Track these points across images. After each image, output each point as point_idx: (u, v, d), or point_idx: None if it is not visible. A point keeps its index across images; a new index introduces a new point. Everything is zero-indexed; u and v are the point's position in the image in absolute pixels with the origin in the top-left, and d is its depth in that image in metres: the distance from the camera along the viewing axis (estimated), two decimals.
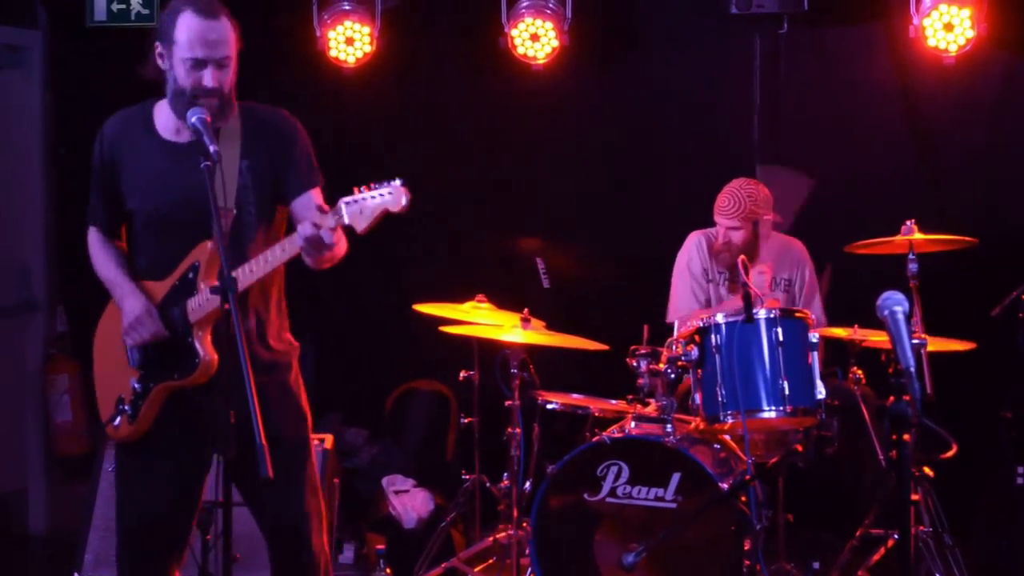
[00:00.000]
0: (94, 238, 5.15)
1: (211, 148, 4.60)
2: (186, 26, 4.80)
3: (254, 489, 4.84)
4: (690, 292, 7.31)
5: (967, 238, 6.77)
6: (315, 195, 5.06)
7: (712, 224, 7.25)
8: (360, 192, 4.70)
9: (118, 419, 4.99)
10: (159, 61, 4.89)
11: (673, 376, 6.48)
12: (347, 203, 4.70)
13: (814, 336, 6.24)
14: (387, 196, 4.69)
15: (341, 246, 4.91)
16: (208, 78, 4.79)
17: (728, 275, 7.25)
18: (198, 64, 4.79)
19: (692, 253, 7.36)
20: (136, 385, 4.96)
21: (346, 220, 4.67)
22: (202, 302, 4.85)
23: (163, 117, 4.99)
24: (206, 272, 4.87)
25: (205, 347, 4.87)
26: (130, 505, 5.06)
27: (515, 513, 6.68)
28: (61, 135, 8.70)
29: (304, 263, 4.85)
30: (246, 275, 4.79)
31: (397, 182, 4.70)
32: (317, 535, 5.09)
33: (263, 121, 5.03)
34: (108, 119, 5.09)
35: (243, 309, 4.91)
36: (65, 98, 8.71)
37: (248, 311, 4.98)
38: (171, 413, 4.97)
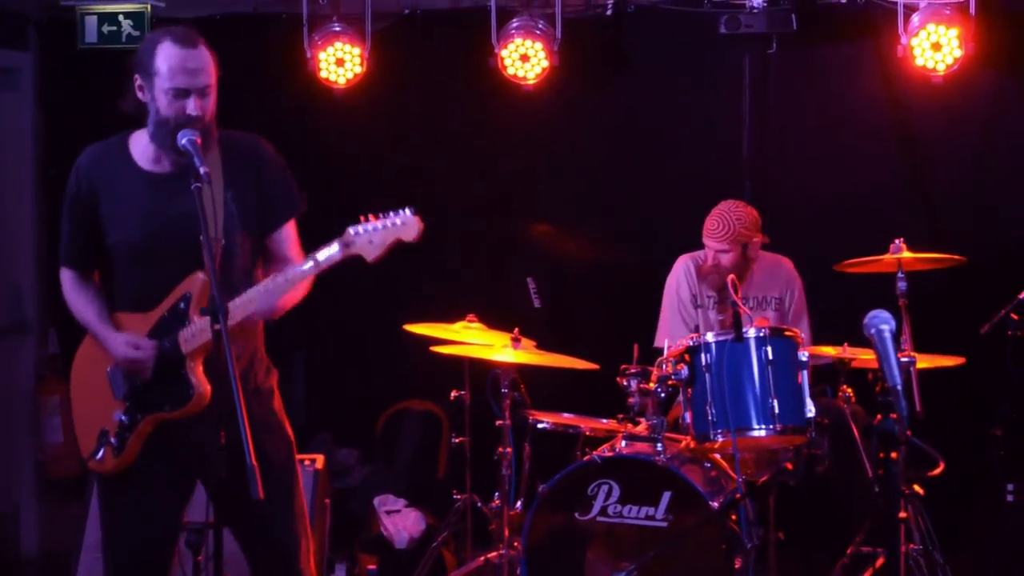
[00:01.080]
0: (68, 281, 5.13)
1: (201, 169, 4.61)
2: (166, 56, 4.82)
3: (240, 513, 4.81)
4: (679, 318, 7.32)
5: (955, 256, 6.79)
6: (289, 230, 5.10)
7: (701, 243, 7.27)
8: (369, 221, 4.73)
9: (101, 452, 4.97)
10: (139, 93, 4.90)
11: (663, 395, 6.50)
12: (356, 232, 4.73)
13: (804, 355, 6.25)
14: (400, 225, 4.73)
15: (298, 294, 4.94)
16: (191, 107, 4.80)
17: (717, 297, 7.26)
18: (180, 93, 4.80)
19: (680, 279, 7.38)
20: (123, 417, 4.94)
21: (355, 251, 4.70)
22: (196, 332, 4.84)
23: (140, 147, 4.98)
24: (198, 303, 4.86)
25: (198, 378, 4.87)
26: (121, 539, 5.05)
27: (506, 533, 6.68)
28: (52, 156, 8.71)
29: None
30: (242, 305, 4.80)
31: (408, 211, 4.74)
32: (305, 560, 5.09)
33: (241, 150, 5.04)
34: (82, 153, 5.08)
35: (242, 336, 4.93)
36: (56, 120, 8.73)
37: (248, 337, 5.00)
38: (155, 443, 4.95)
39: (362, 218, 4.76)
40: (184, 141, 4.72)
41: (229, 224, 4.88)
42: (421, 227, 4.78)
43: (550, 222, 8.73)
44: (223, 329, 4.42)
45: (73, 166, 5.06)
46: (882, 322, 4.18)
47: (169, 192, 4.87)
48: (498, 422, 6.78)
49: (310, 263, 4.81)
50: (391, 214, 4.77)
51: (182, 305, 4.89)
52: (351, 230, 4.76)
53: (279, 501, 4.98)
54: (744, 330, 6.26)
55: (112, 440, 4.95)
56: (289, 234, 5.10)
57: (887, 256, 6.69)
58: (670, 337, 7.12)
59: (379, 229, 4.75)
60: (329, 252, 4.79)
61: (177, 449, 4.94)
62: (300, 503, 5.12)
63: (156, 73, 4.83)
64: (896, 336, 4.22)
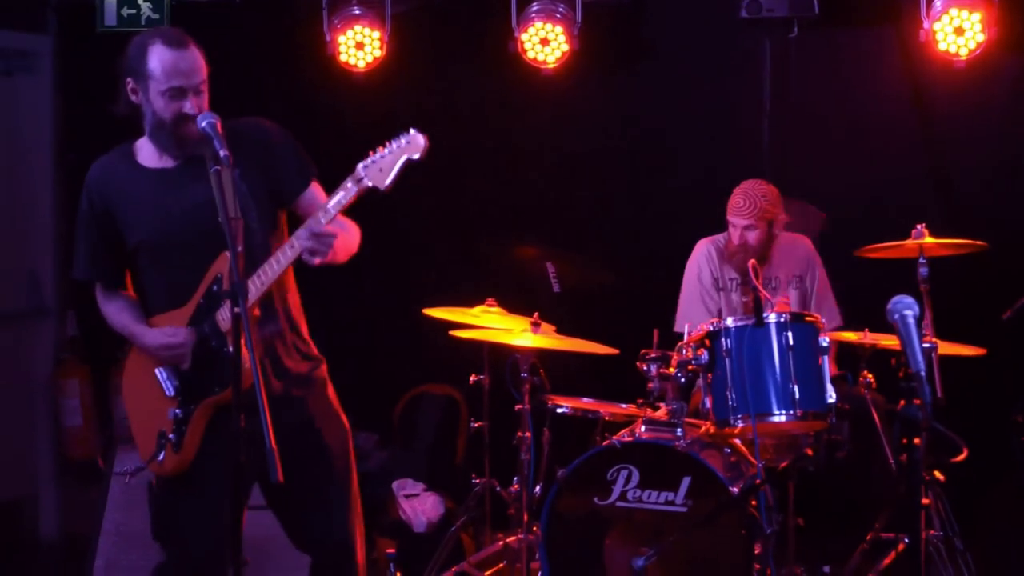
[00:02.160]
0: (99, 293, 5.21)
1: (221, 152, 4.61)
2: (159, 58, 4.86)
3: (299, 503, 4.83)
4: (699, 302, 7.30)
5: (977, 242, 6.76)
6: (315, 189, 5.13)
7: (721, 227, 7.25)
8: (376, 151, 4.74)
9: (162, 454, 4.98)
10: (132, 96, 4.93)
11: (683, 380, 6.48)
12: (365, 166, 4.76)
13: (824, 340, 6.23)
14: (405, 146, 4.75)
15: (351, 234, 4.95)
16: (189, 106, 4.85)
17: (741, 279, 7.24)
18: (177, 94, 4.84)
19: (701, 263, 7.36)
20: (177, 412, 4.98)
21: (368, 183, 4.72)
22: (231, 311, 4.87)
23: (145, 152, 5.04)
24: (230, 280, 4.87)
25: (243, 355, 4.88)
26: (193, 540, 5.06)
27: (525, 517, 6.68)
28: (71, 140, 8.70)
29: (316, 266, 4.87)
30: (259, 284, 4.81)
31: (412, 130, 4.75)
32: (362, 551, 5.11)
33: (243, 133, 5.03)
34: (90, 168, 5.13)
35: (271, 313, 4.95)
36: (75, 103, 8.71)
37: (277, 315, 5.01)
38: (213, 439, 4.97)
39: (370, 152, 4.78)
40: (204, 124, 4.72)
41: (243, 202, 4.89)
42: (427, 143, 4.78)
43: (570, 206, 8.71)
44: (242, 309, 4.42)
45: (84, 183, 5.11)
46: (906, 307, 4.16)
47: (177, 185, 4.90)
48: (517, 407, 6.77)
49: (326, 210, 4.83)
50: (394, 138, 4.78)
51: (215, 287, 4.93)
52: (360, 165, 4.79)
53: (344, 492, 5.03)
54: (764, 315, 6.24)
55: (171, 436, 4.97)
56: (316, 194, 5.12)
57: (909, 241, 6.66)
58: (690, 322, 7.10)
59: (385, 155, 4.78)
60: (342, 193, 4.82)
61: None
62: (357, 494, 5.14)
63: (150, 76, 4.88)
64: (919, 322, 4.19)
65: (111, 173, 5.07)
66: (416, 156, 4.77)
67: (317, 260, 4.84)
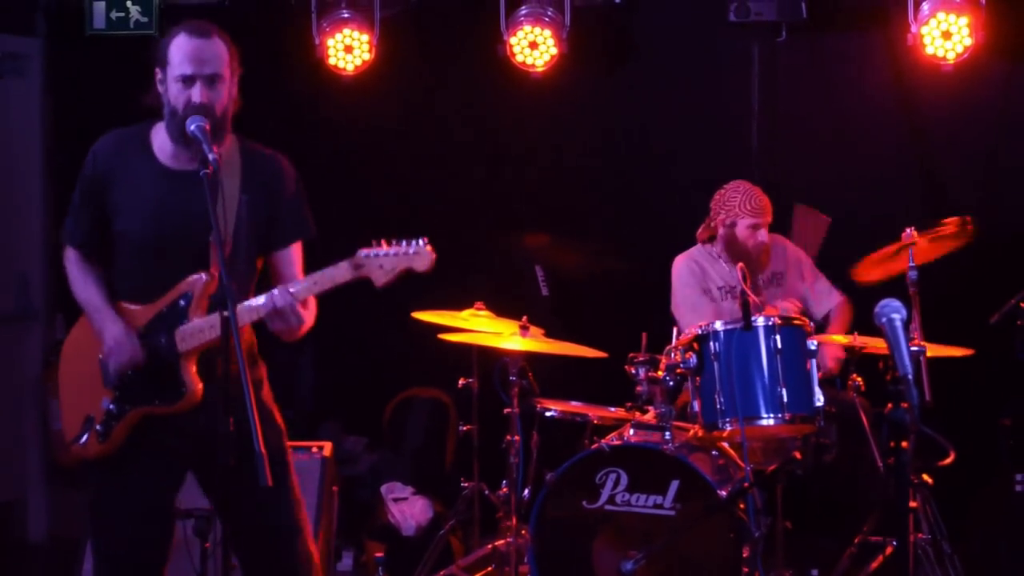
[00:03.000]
0: (73, 259, 5.11)
1: (210, 156, 4.61)
2: (178, 46, 4.86)
3: (236, 500, 4.80)
4: (704, 301, 7.27)
5: (963, 218, 6.74)
6: (297, 248, 5.11)
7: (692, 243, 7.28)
8: (382, 246, 4.74)
9: (85, 437, 4.95)
10: (159, 87, 4.93)
11: (672, 383, 6.49)
12: (367, 255, 4.74)
13: (812, 343, 6.24)
14: (412, 255, 4.74)
15: (308, 320, 4.92)
16: (196, 94, 4.81)
17: (730, 285, 7.23)
18: (188, 81, 4.82)
19: (686, 277, 7.31)
20: (111, 406, 4.93)
21: (365, 273, 4.72)
22: (194, 331, 4.84)
23: (160, 140, 4.99)
24: (198, 303, 4.87)
25: (191, 377, 4.87)
26: (112, 528, 5.02)
27: (514, 521, 6.68)
28: (60, 143, 8.70)
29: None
30: (249, 311, 4.81)
31: (422, 241, 4.76)
32: (304, 545, 5.07)
33: (262, 161, 5.04)
34: (101, 137, 5.08)
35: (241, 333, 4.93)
36: (64, 106, 8.72)
37: (244, 333, 4.99)
38: (143, 432, 4.94)
39: (374, 242, 4.78)
40: (192, 127, 4.72)
41: (239, 229, 4.88)
42: (433, 259, 4.79)
43: (558, 210, 8.71)
44: (232, 317, 4.42)
45: (91, 149, 5.06)
46: (893, 311, 4.16)
47: (186, 190, 4.86)
48: (506, 410, 6.77)
49: (316, 279, 4.82)
50: (404, 243, 4.79)
51: (182, 303, 4.89)
52: (362, 252, 4.78)
53: (281, 486, 4.98)
54: (753, 318, 6.25)
55: (97, 427, 4.93)
56: (296, 255, 5.11)
57: (900, 244, 6.65)
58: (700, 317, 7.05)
59: (390, 255, 4.77)
60: (338, 271, 4.80)
61: (167, 438, 4.93)
62: (296, 489, 5.11)
63: (169, 62, 4.87)
64: (906, 325, 4.20)
65: (121, 152, 5.01)
66: (421, 269, 4.78)
67: (277, 329, 4.84)
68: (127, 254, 5.00)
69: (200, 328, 4.82)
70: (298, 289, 4.81)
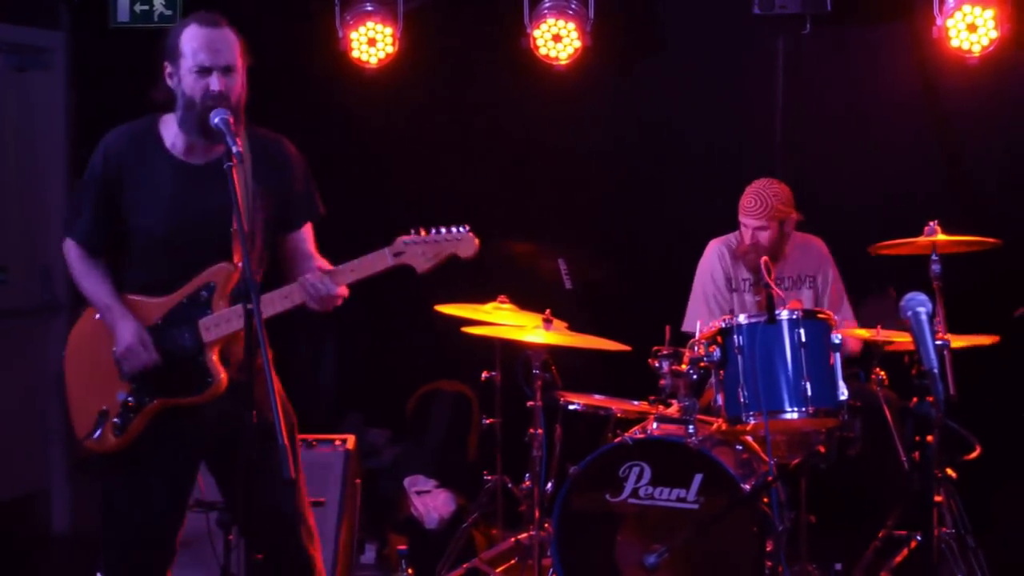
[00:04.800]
0: (75, 253, 5.10)
1: (234, 148, 4.62)
2: (190, 37, 4.87)
3: (252, 488, 4.80)
4: (706, 304, 7.27)
5: (990, 239, 6.74)
6: (309, 228, 5.15)
7: (734, 225, 7.24)
8: (422, 234, 4.75)
9: (99, 432, 4.94)
10: (169, 80, 4.93)
11: (695, 377, 6.48)
12: (407, 242, 4.76)
13: (836, 337, 6.21)
14: (456, 240, 4.76)
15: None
16: (215, 83, 4.82)
17: (753, 279, 7.23)
18: (203, 71, 4.83)
19: (714, 263, 7.33)
20: (129, 398, 4.93)
21: (405, 260, 4.74)
22: (219, 321, 4.86)
23: (171, 134, 4.98)
24: (221, 293, 4.87)
25: (217, 367, 4.87)
26: (125, 518, 5.03)
27: (537, 514, 6.68)
28: (84, 136, 8.70)
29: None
30: (279, 299, 4.82)
31: (464, 228, 4.77)
32: (307, 534, 5.06)
33: (270, 147, 5.06)
34: (110, 132, 5.07)
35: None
36: (88, 99, 8.72)
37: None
38: (159, 423, 4.95)
39: (412, 230, 4.79)
40: (217, 120, 4.72)
41: (253, 217, 4.89)
42: (477, 245, 4.81)
43: (582, 203, 8.70)
44: (255, 307, 4.43)
45: (100, 145, 5.05)
46: (919, 304, 4.15)
47: (202, 184, 4.87)
48: (529, 403, 6.77)
49: (355, 266, 4.84)
50: (444, 230, 4.79)
51: (204, 294, 4.90)
52: (402, 239, 4.80)
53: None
54: (777, 312, 6.24)
55: (115, 420, 4.92)
56: (308, 233, 5.17)
57: (921, 239, 6.64)
58: (699, 322, 7.09)
59: (433, 242, 4.78)
60: (379, 258, 4.83)
61: (184, 429, 4.94)
62: (302, 477, 5.11)
63: (181, 55, 4.87)
64: (931, 319, 4.19)
65: (133, 148, 5.00)
66: (465, 256, 4.80)
67: (310, 307, 4.91)
68: (143, 249, 5.00)
69: (227, 318, 4.83)
70: (337, 275, 4.85)
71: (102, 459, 5.05)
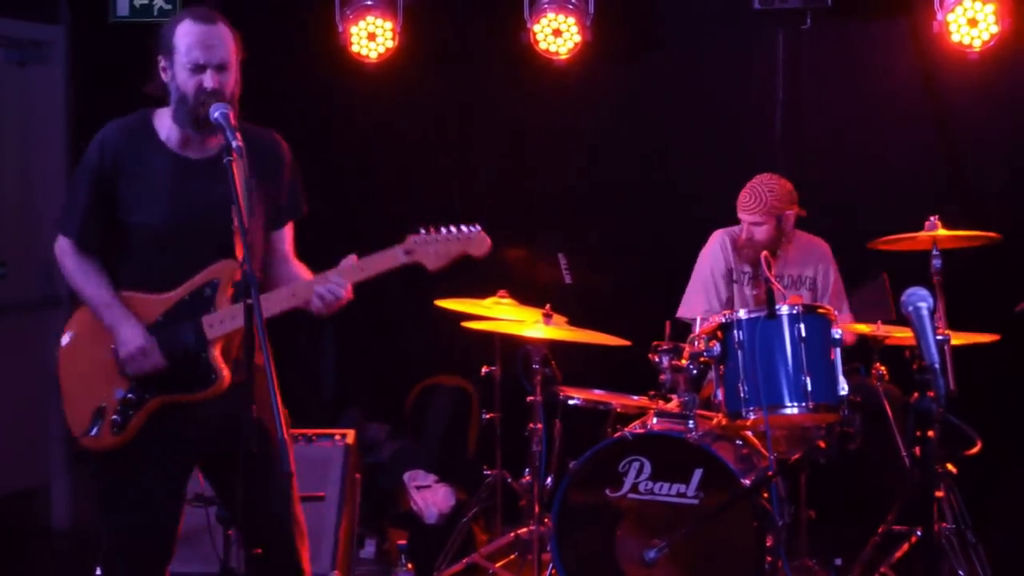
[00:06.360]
0: (68, 249, 5.03)
1: (234, 143, 4.60)
2: (184, 32, 4.84)
3: (247, 484, 4.78)
4: (703, 292, 7.26)
5: (990, 233, 6.74)
6: (288, 230, 5.13)
7: (734, 220, 7.23)
8: (433, 232, 4.74)
9: (96, 429, 4.91)
10: (163, 75, 4.91)
11: (695, 372, 6.47)
12: (417, 241, 4.74)
13: (837, 332, 6.22)
14: (468, 238, 4.75)
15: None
16: (208, 80, 4.80)
17: (751, 273, 7.22)
18: (198, 68, 4.81)
19: (716, 252, 7.32)
20: (129, 395, 4.89)
21: (417, 259, 4.73)
22: (223, 319, 4.84)
23: (165, 128, 4.96)
24: (224, 290, 4.86)
25: (220, 364, 4.86)
26: (125, 514, 5.00)
27: (536, 509, 6.68)
28: (84, 131, 8.65)
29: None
30: (283, 299, 4.82)
31: (476, 227, 4.76)
32: (299, 532, 5.04)
33: (261, 142, 5.02)
34: (104, 127, 5.02)
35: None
36: (88, 93, 8.72)
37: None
38: (157, 419, 4.93)
39: (423, 228, 4.78)
40: (216, 115, 4.70)
41: (253, 210, 4.87)
42: (489, 244, 4.80)
43: (582, 197, 8.70)
44: (255, 303, 4.42)
45: (96, 140, 4.99)
46: (920, 299, 4.15)
47: (201, 179, 4.85)
48: (529, 398, 6.77)
49: (363, 265, 4.85)
50: (455, 228, 4.79)
51: (208, 291, 4.87)
52: (412, 238, 4.79)
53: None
54: (777, 307, 6.23)
55: (114, 417, 4.88)
56: (289, 232, 5.15)
57: (922, 233, 6.64)
58: (692, 310, 7.10)
59: (442, 240, 4.77)
60: (389, 256, 4.83)
61: (183, 425, 4.92)
62: (293, 475, 5.10)
63: (175, 50, 4.85)
64: (932, 313, 4.19)
65: (130, 143, 4.96)
66: (478, 255, 4.79)
67: (316, 309, 4.89)
68: (142, 245, 4.94)
69: (230, 315, 4.81)
70: (347, 274, 4.85)
71: (99, 456, 5.02)
